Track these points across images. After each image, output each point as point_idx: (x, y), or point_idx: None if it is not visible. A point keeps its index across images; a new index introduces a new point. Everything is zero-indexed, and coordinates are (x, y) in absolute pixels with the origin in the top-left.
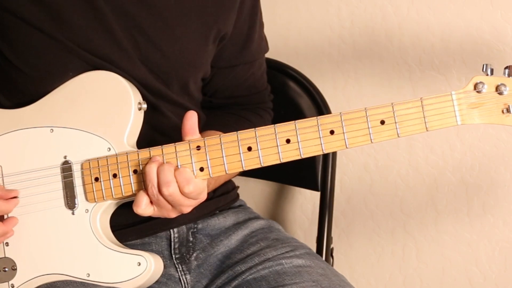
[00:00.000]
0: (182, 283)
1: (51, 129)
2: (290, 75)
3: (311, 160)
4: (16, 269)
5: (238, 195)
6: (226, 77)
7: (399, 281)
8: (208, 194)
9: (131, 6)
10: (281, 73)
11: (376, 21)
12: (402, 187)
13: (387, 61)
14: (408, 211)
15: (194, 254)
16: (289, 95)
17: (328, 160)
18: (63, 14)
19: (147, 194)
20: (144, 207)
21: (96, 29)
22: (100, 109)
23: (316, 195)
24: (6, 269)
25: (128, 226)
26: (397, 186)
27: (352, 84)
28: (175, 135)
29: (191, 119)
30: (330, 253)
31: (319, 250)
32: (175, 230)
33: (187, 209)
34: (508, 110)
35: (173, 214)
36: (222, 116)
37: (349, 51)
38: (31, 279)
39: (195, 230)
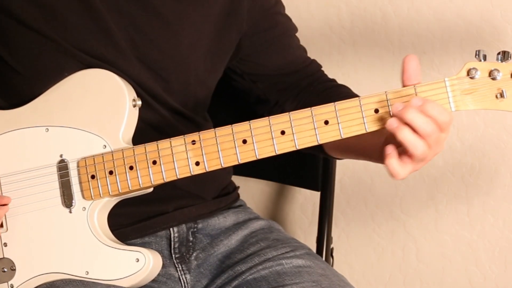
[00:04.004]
0: (182, 282)
1: (46, 129)
2: None
3: (311, 160)
4: (15, 269)
5: (238, 195)
6: (272, 55)
7: (399, 281)
8: (209, 194)
9: (126, 4)
10: None
11: (376, 21)
12: (402, 187)
13: (387, 61)
14: (408, 211)
15: (194, 254)
16: None
17: (328, 160)
18: (58, 14)
19: (398, 156)
20: (402, 171)
21: (92, 29)
22: (94, 107)
23: (316, 195)
24: (5, 270)
25: (127, 226)
26: (397, 186)
27: (352, 84)
28: (169, 131)
29: (411, 63)
30: (330, 253)
31: (319, 250)
32: (175, 229)
33: (442, 146)
34: (501, 95)
35: (430, 157)
36: (325, 93)
37: (349, 51)
38: (30, 279)
39: (195, 229)
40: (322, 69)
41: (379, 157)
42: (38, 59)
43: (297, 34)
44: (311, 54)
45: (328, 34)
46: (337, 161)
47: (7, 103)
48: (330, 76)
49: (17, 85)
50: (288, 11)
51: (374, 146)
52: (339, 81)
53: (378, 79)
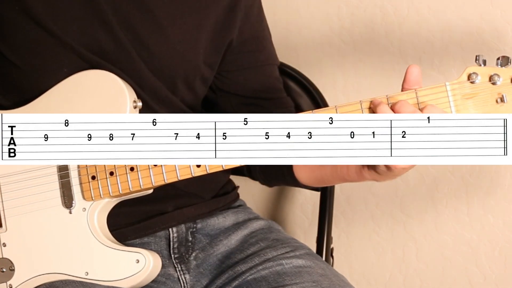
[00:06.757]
0: (181, 282)
1: None
2: (290, 75)
3: None
4: (14, 269)
5: (238, 195)
6: (252, 78)
7: (399, 281)
8: (207, 194)
9: (124, 3)
10: (281, 73)
11: (376, 21)
12: (402, 187)
13: (387, 61)
14: (408, 211)
15: (193, 254)
16: (289, 95)
17: None
18: (59, 6)
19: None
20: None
21: (92, 21)
22: (95, 108)
23: (316, 195)
24: (4, 270)
25: (126, 226)
26: (397, 186)
27: (352, 84)
28: None
29: (413, 69)
30: (330, 253)
31: (319, 250)
32: (174, 229)
33: None
34: (502, 100)
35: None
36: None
37: (349, 51)
38: (29, 279)
39: (194, 229)
40: (320, 70)
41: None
42: (37, 53)
43: (297, 35)
44: (312, 55)
45: (328, 34)
46: None
47: (9, 101)
48: (330, 75)
49: (17, 80)
50: (288, 11)
51: (348, 172)
52: (339, 81)
53: (378, 79)
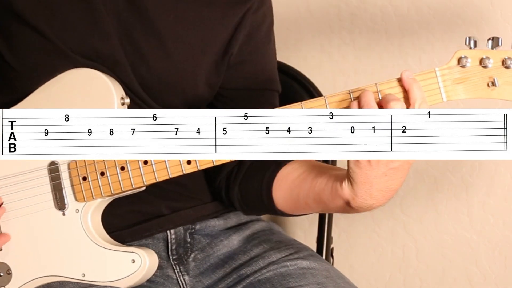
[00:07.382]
0: (180, 284)
1: None
2: (290, 75)
3: None
4: (11, 273)
5: None
6: (250, 100)
7: (399, 281)
8: (206, 197)
9: (125, 11)
10: (281, 73)
11: (376, 21)
12: (402, 187)
13: (387, 61)
14: (408, 211)
15: (192, 255)
16: (289, 95)
17: (328, 159)
18: (59, 13)
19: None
20: None
21: (92, 31)
22: (83, 106)
23: None
24: (1, 274)
25: (124, 228)
26: None
27: (352, 84)
28: None
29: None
30: (330, 253)
31: (319, 250)
32: (172, 231)
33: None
34: (493, 84)
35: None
36: None
37: (349, 51)
38: (26, 282)
39: (192, 231)
40: (320, 70)
41: (330, 199)
42: (33, 57)
43: (297, 34)
44: (311, 54)
45: (328, 34)
46: (337, 160)
47: (1, 100)
48: (330, 75)
49: (11, 81)
50: (288, 11)
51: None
52: (339, 81)
53: (378, 79)
